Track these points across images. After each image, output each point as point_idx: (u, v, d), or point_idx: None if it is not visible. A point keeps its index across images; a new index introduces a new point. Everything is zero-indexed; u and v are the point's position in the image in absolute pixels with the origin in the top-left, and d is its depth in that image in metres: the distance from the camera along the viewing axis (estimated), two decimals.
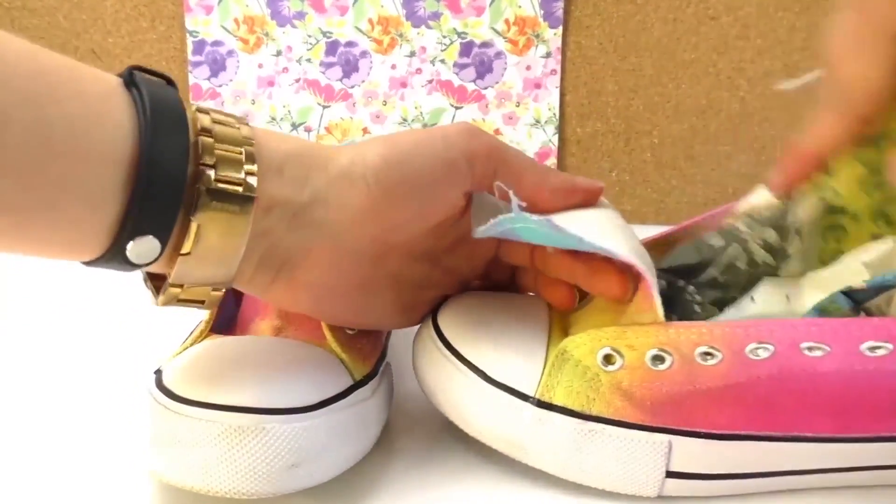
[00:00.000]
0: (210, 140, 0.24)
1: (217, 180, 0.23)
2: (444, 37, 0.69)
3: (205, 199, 0.23)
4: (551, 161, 0.70)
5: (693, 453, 0.27)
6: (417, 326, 0.32)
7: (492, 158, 0.29)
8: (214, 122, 0.24)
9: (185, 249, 0.23)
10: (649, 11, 0.67)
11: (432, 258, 0.31)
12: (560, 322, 0.31)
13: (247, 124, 0.25)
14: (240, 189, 0.24)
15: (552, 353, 0.28)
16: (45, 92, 0.20)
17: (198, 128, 0.24)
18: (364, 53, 0.69)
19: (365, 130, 0.71)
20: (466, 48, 0.69)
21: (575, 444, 0.27)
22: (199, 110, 0.24)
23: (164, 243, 0.23)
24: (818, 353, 0.26)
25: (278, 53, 0.69)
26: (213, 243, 0.24)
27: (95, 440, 0.32)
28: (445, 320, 0.30)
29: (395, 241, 0.28)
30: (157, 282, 0.26)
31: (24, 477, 0.29)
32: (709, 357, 0.27)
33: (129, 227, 0.22)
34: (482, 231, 0.28)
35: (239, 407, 0.25)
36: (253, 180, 0.24)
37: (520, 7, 0.67)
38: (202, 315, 0.32)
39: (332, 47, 0.69)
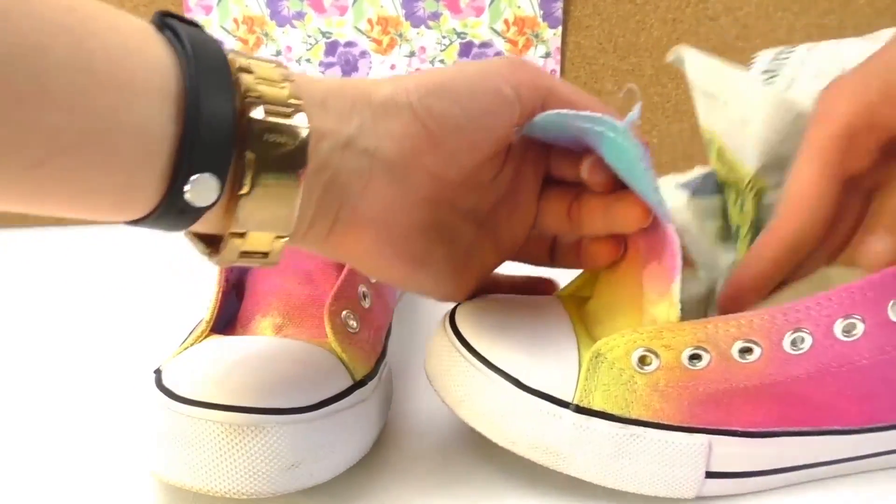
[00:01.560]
0: (250, 76, 0.23)
1: (267, 113, 0.23)
2: (444, 37, 0.69)
3: (257, 132, 0.22)
4: None
5: (732, 453, 0.27)
6: (413, 332, 0.32)
7: (538, 87, 0.29)
8: (250, 61, 0.24)
9: (243, 189, 0.23)
10: (648, 12, 0.67)
11: (477, 218, 0.31)
12: (580, 322, 0.31)
13: (281, 65, 0.25)
14: (290, 121, 0.23)
15: (585, 357, 0.27)
16: (80, 24, 0.20)
17: (236, 66, 0.23)
18: (363, 53, 0.69)
19: None
20: (466, 48, 0.69)
21: (616, 449, 0.27)
22: (232, 51, 0.24)
23: (222, 181, 0.22)
24: (854, 336, 0.27)
25: (278, 53, 0.69)
26: (270, 180, 0.23)
27: (96, 440, 0.32)
28: (466, 327, 0.29)
29: (450, 177, 0.28)
30: (209, 248, 0.25)
31: (24, 477, 0.29)
32: (747, 354, 0.27)
33: (185, 165, 0.21)
34: (548, 116, 0.27)
35: (239, 407, 0.25)
36: (300, 115, 0.23)
37: (519, 7, 0.67)
38: (202, 315, 0.32)
39: (331, 47, 0.69)
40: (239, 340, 0.30)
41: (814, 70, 0.36)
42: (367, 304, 0.33)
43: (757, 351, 0.27)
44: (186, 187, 0.21)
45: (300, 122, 0.23)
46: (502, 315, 0.30)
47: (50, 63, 0.19)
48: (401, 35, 0.69)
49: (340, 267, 0.34)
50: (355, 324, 0.31)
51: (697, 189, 0.36)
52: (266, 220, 0.24)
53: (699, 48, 0.37)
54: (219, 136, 0.22)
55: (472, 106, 0.27)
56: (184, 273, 0.51)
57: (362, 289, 0.33)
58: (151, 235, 0.66)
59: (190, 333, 0.32)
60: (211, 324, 0.31)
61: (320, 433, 0.26)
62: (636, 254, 0.31)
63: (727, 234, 0.36)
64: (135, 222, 0.23)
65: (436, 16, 0.68)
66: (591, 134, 0.27)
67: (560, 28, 0.68)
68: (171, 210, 0.22)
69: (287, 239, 0.25)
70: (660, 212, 0.27)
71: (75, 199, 0.21)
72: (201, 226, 0.23)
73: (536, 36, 0.68)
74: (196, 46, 0.22)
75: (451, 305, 0.32)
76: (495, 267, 0.33)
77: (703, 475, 0.27)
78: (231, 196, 0.23)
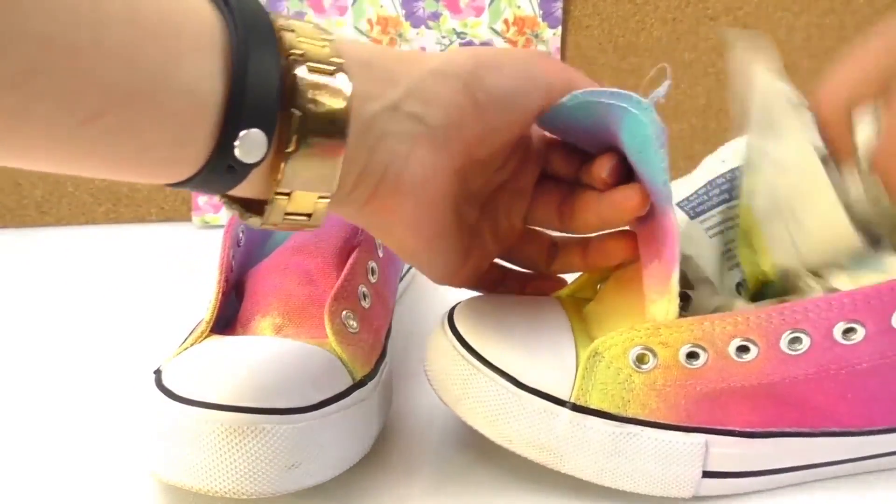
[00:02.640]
0: (293, 34, 0.23)
1: (310, 70, 0.23)
2: (444, 37, 0.69)
3: (302, 89, 0.23)
4: None
5: (729, 452, 0.28)
6: (413, 332, 0.32)
7: (563, 79, 0.29)
8: (290, 21, 0.24)
9: (290, 147, 0.23)
10: (648, 11, 0.67)
11: (479, 201, 0.31)
12: (579, 321, 0.31)
13: (319, 26, 0.25)
14: (333, 80, 0.23)
15: (583, 355, 0.28)
16: None
17: (278, 24, 0.23)
18: None
19: None
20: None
21: (613, 447, 0.27)
22: (270, 11, 0.24)
23: (270, 137, 0.22)
24: (854, 340, 0.27)
25: None
26: (316, 138, 0.23)
27: (95, 440, 0.32)
28: (464, 325, 0.29)
29: (478, 155, 0.28)
30: (252, 212, 0.25)
31: (24, 477, 0.29)
32: (744, 352, 0.27)
33: (233, 121, 0.21)
34: (576, 96, 0.28)
35: (238, 407, 0.25)
36: (342, 74, 0.24)
37: (519, 7, 0.67)
38: (202, 315, 0.32)
39: None
40: (239, 340, 0.30)
41: None
42: (367, 304, 0.33)
43: (754, 350, 0.27)
44: (236, 143, 0.22)
45: (343, 80, 0.23)
46: (500, 314, 0.30)
47: (103, 14, 0.19)
48: (400, 35, 0.69)
49: (340, 267, 0.34)
50: (355, 324, 0.31)
51: (698, 208, 0.36)
52: (311, 179, 0.24)
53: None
54: (266, 92, 0.22)
55: (517, 85, 0.28)
56: (184, 273, 0.51)
57: (362, 289, 0.33)
58: (151, 235, 0.66)
59: (190, 333, 0.33)
60: (211, 324, 0.31)
61: (320, 433, 0.26)
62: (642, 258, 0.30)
63: (732, 250, 0.35)
64: (181, 184, 0.23)
65: (436, 16, 0.68)
66: (614, 110, 0.27)
67: (560, 28, 0.68)
68: (219, 168, 0.22)
69: (329, 201, 0.25)
70: (663, 194, 0.27)
71: (124, 158, 0.21)
72: (245, 188, 0.23)
73: (536, 36, 0.68)
74: (239, 3, 0.22)
75: (449, 305, 0.32)
76: (493, 256, 0.33)
77: (700, 474, 0.27)
78: (277, 154, 0.23)
